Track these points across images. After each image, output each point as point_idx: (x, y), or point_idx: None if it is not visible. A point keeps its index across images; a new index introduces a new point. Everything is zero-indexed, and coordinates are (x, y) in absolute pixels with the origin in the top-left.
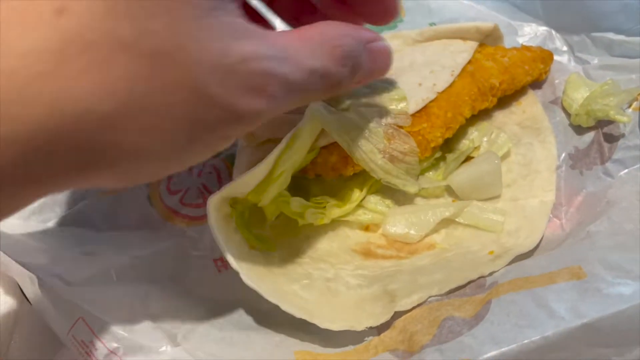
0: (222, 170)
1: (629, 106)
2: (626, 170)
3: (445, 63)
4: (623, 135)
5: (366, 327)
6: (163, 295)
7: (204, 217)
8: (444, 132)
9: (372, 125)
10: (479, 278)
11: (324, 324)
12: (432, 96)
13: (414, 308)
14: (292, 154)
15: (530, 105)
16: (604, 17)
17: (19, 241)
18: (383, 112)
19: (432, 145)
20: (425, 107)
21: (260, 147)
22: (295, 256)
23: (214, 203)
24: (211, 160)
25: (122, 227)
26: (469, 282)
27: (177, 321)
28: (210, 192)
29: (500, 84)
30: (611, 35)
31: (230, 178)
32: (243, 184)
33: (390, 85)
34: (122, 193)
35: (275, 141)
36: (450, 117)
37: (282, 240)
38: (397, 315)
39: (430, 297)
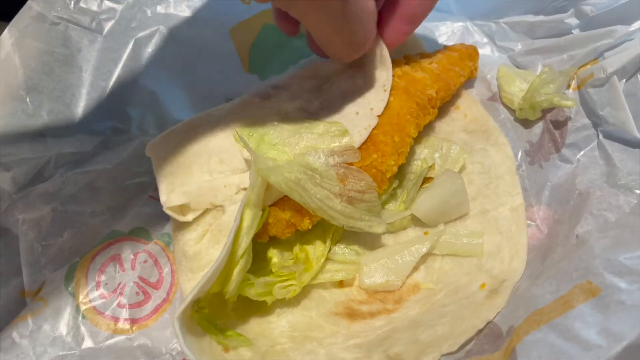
0: (159, 253)
1: (568, 87)
2: (582, 152)
3: (373, 83)
4: (570, 118)
5: None
6: None
7: (149, 316)
8: (397, 158)
9: (321, 169)
10: (488, 324)
11: None
12: (374, 122)
13: None
14: (249, 228)
15: (469, 107)
16: (517, 0)
17: None
18: (328, 152)
19: (388, 175)
20: (370, 137)
21: (200, 220)
22: (276, 344)
23: (182, 319)
24: (143, 246)
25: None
26: (478, 331)
27: None
28: (149, 284)
29: (437, 93)
30: (529, 18)
31: (169, 260)
32: (206, 284)
33: (327, 120)
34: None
35: (215, 208)
36: (398, 141)
37: (254, 327)
38: None
39: (442, 355)
